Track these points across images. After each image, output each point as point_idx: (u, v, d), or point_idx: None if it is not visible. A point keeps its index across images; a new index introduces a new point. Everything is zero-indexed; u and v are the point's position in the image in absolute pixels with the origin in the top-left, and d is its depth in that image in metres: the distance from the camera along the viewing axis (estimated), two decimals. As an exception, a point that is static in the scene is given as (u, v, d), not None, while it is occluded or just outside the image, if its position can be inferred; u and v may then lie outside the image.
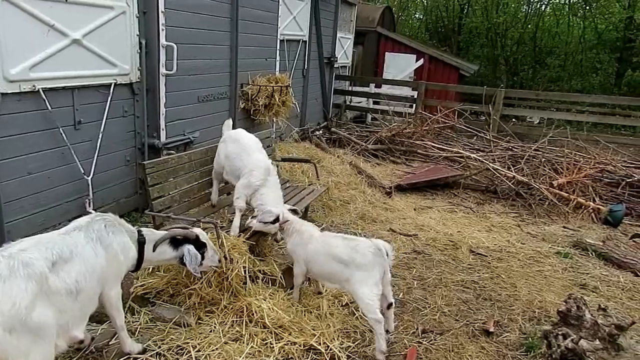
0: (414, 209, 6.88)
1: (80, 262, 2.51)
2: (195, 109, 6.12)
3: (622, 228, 6.58)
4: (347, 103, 12.53)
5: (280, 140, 8.74)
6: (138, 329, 3.28)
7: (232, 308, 3.48)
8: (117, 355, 2.98)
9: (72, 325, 2.47)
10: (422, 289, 4.45)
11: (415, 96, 11.53)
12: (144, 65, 5.08)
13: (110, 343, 3.08)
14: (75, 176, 4.48)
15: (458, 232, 6.01)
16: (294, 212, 4.05)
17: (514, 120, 14.57)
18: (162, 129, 5.49)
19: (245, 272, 3.61)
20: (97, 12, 4.44)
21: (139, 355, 2.99)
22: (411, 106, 11.52)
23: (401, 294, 4.31)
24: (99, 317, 3.17)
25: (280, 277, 3.96)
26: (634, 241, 5.88)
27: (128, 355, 2.96)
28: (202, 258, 3.17)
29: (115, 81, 4.75)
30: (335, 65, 11.19)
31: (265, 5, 7.44)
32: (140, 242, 2.95)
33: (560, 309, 3.52)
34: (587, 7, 20.87)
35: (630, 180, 7.56)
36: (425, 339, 3.63)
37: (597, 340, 3.22)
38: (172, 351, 3.10)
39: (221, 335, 3.26)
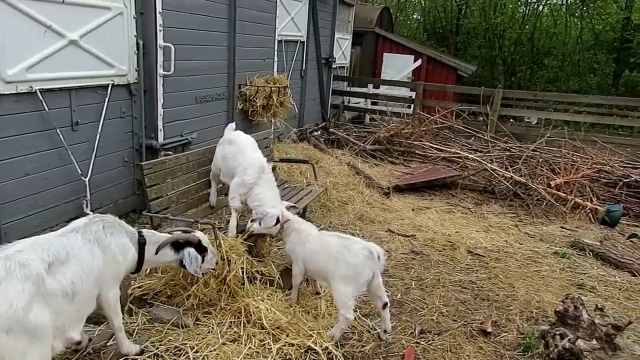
0: (412, 210, 6.89)
1: (76, 264, 2.50)
2: (193, 109, 6.12)
3: (620, 228, 6.60)
4: (345, 104, 12.53)
5: (278, 140, 8.73)
6: (136, 330, 3.27)
7: (230, 309, 3.47)
8: (114, 356, 2.97)
9: (69, 327, 2.46)
10: (420, 290, 4.45)
11: (413, 97, 11.54)
12: (142, 66, 5.08)
13: (107, 344, 3.08)
14: (72, 177, 4.47)
15: (456, 232, 6.02)
16: (293, 208, 4.04)
17: (511, 120, 14.57)
18: (160, 130, 5.49)
19: (243, 273, 3.61)
20: (95, 12, 4.43)
21: (136, 357, 2.98)
22: (409, 107, 11.54)
23: (399, 294, 4.31)
24: (97, 318, 3.17)
25: (278, 278, 3.96)
26: (631, 241, 5.89)
27: (126, 357, 2.96)
28: (202, 261, 3.18)
29: (112, 82, 4.74)
30: (333, 66, 11.18)
31: (262, 6, 7.43)
32: (141, 244, 2.94)
33: (557, 309, 3.53)
34: (585, 8, 20.95)
35: (628, 180, 7.57)
36: (423, 339, 3.64)
37: (594, 340, 3.23)
38: (170, 352, 3.09)
39: (219, 336, 3.25)
